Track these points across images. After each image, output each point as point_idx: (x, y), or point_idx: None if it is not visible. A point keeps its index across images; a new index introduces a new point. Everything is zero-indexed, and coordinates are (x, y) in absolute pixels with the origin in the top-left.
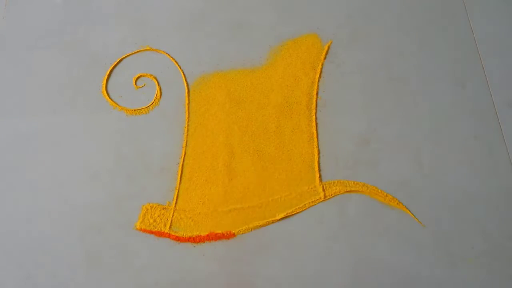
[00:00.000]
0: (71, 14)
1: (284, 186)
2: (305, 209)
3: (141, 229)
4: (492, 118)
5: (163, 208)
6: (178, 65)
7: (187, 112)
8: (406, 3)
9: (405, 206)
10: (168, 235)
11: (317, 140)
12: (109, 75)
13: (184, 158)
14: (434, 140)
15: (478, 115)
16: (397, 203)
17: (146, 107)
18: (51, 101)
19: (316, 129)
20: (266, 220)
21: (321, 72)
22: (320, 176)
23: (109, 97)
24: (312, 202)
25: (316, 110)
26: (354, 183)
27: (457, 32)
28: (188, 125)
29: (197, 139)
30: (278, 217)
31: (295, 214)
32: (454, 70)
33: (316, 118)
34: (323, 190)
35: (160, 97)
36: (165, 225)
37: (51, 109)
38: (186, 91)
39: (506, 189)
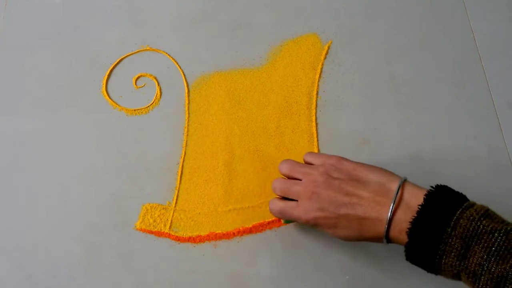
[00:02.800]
0: (71, 14)
1: None
2: None
3: (141, 229)
4: (492, 118)
5: (163, 208)
6: (178, 65)
7: (187, 112)
8: (406, 3)
9: None
10: (168, 235)
11: (317, 140)
12: (109, 75)
13: (184, 158)
14: (434, 140)
15: (478, 115)
16: None
17: (146, 107)
18: (51, 101)
19: (316, 129)
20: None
21: (321, 72)
22: None
23: (109, 97)
24: None
25: (316, 110)
26: None
27: (457, 32)
28: (188, 125)
29: (197, 139)
30: None
31: None
32: (454, 70)
33: (316, 118)
34: None
35: (160, 97)
36: (165, 225)
37: (51, 109)
38: (186, 91)
39: (506, 189)
